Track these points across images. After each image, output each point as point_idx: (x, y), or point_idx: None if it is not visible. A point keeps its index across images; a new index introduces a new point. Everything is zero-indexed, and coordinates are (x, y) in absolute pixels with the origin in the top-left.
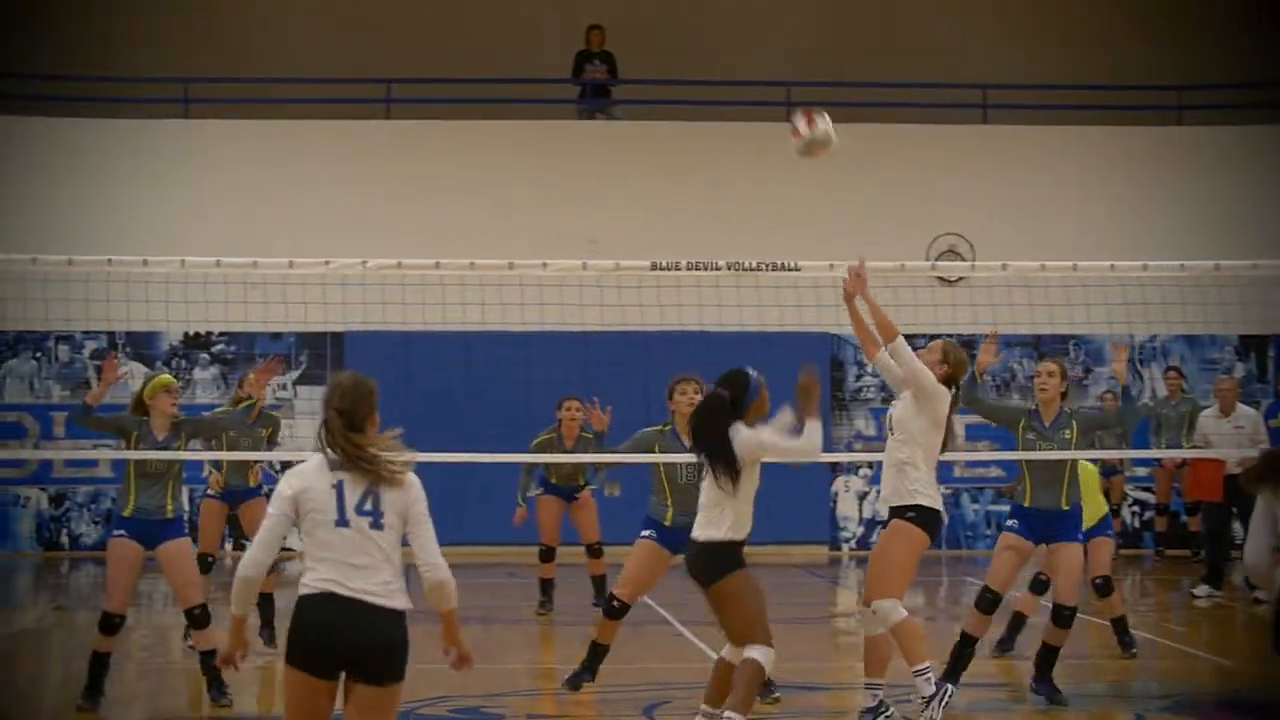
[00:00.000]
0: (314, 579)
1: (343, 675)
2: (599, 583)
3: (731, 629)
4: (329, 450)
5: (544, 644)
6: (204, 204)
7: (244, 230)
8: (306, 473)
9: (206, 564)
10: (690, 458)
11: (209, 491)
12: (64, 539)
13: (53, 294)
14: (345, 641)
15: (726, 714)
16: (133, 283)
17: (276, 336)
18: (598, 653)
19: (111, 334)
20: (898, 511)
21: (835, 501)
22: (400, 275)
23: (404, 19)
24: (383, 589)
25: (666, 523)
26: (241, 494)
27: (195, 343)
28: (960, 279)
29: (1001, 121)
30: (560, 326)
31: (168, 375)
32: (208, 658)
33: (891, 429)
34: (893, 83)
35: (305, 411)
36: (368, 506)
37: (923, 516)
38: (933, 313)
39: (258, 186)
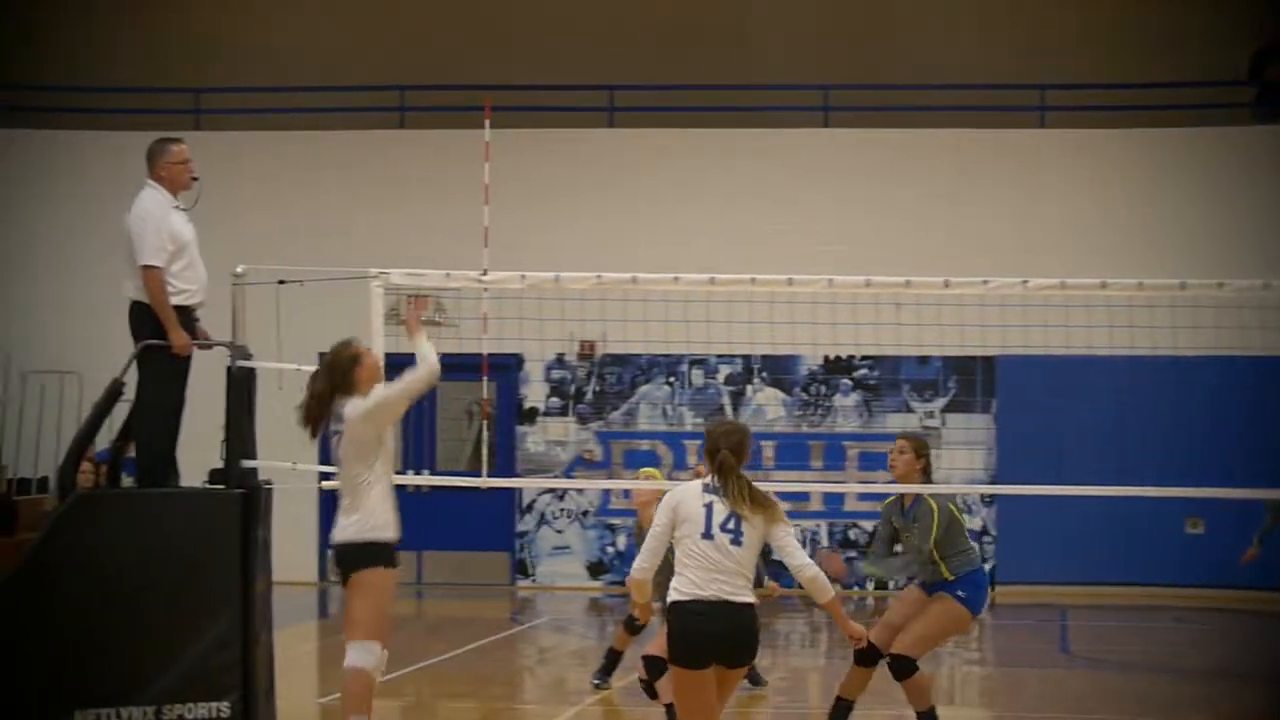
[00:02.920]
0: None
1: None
2: None
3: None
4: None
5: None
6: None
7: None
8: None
9: None
10: None
11: None
12: None
13: (692, 315)
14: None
15: None
16: (777, 304)
17: (924, 360)
18: None
19: (748, 357)
20: None
21: None
22: (1064, 296)
23: None
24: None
25: None
26: None
27: (836, 367)
28: None
29: None
30: (1238, 351)
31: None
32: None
33: None
34: None
35: (957, 442)
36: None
37: None
38: None
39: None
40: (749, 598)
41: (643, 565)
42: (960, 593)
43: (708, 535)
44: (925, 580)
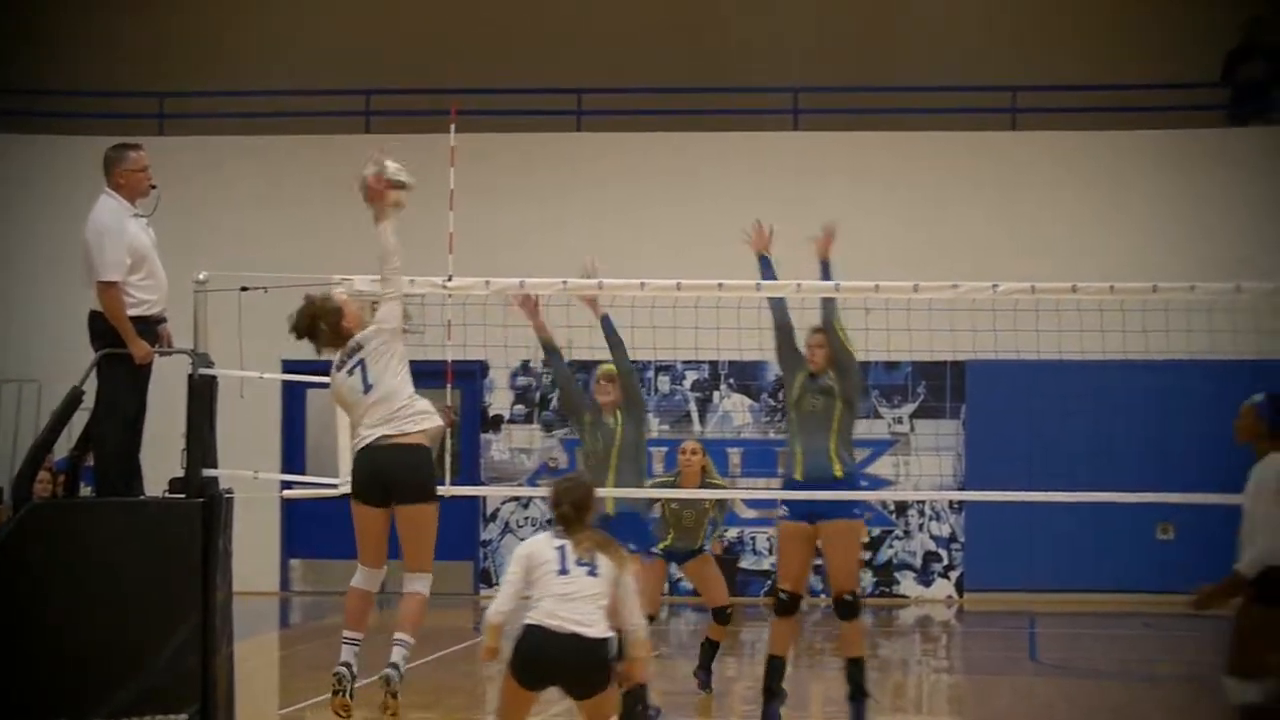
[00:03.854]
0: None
1: None
2: None
3: None
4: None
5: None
6: None
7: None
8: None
9: None
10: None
11: None
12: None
13: (659, 321)
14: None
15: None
16: (745, 309)
17: (893, 365)
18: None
19: (715, 363)
20: None
21: None
22: (1034, 300)
23: None
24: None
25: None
26: None
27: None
28: None
29: None
30: (1209, 355)
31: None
32: None
33: None
34: None
35: (926, 448)
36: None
37: None
38: None
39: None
40: (602, 632)
41: (498, 609)
42: (856, 510)
43: (563, 571)
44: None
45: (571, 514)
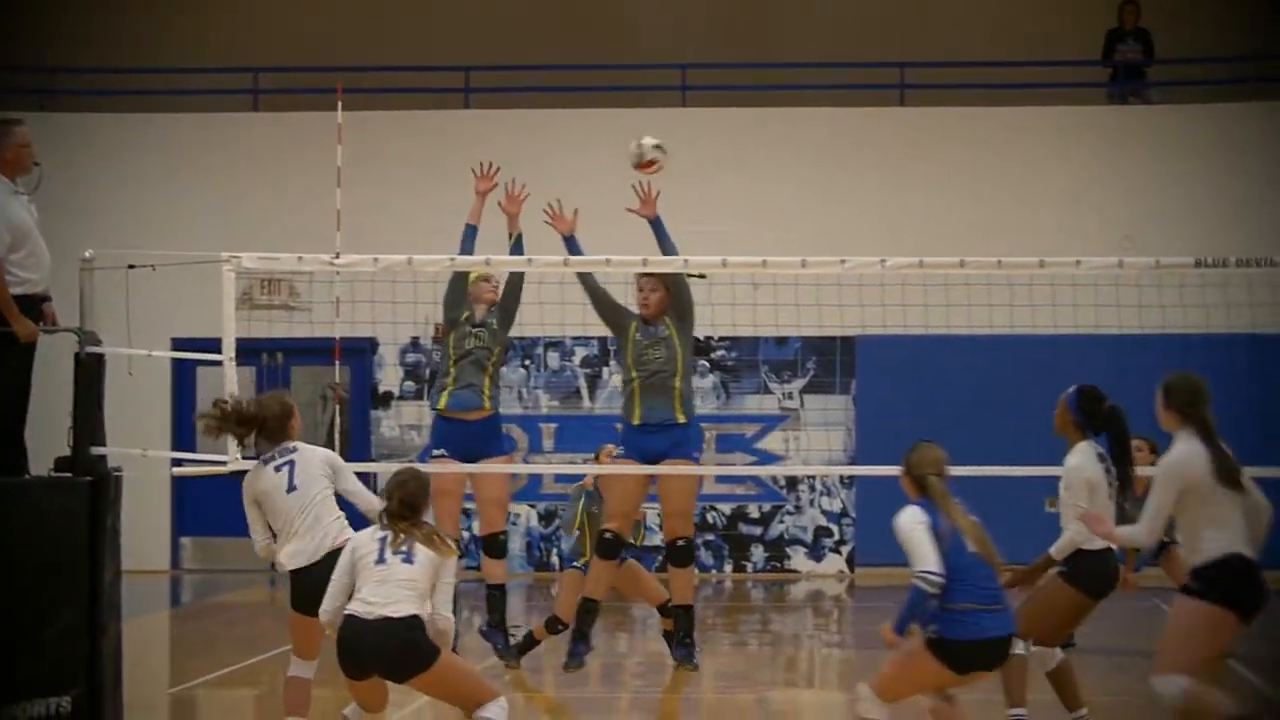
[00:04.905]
0: None
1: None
2: None
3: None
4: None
5: None
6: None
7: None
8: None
9: None
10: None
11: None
12: (554, 560)
13: (546, 296)
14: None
15: None
16: (633, 285)
17: (782, 341)
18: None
19: (604, 339)
20: None
21: None
22: (922, 275)
23: None
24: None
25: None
26: None
27: (694, 348)
28: None
29: None
30: (1094, 330)
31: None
32: None
33: None
34: None
35: (815, 423)
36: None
37: None
38: None
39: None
40: (408, 611)
41: (324, 609)
42: (695, 454)
43: (380, 561)
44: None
45: (397, 509)
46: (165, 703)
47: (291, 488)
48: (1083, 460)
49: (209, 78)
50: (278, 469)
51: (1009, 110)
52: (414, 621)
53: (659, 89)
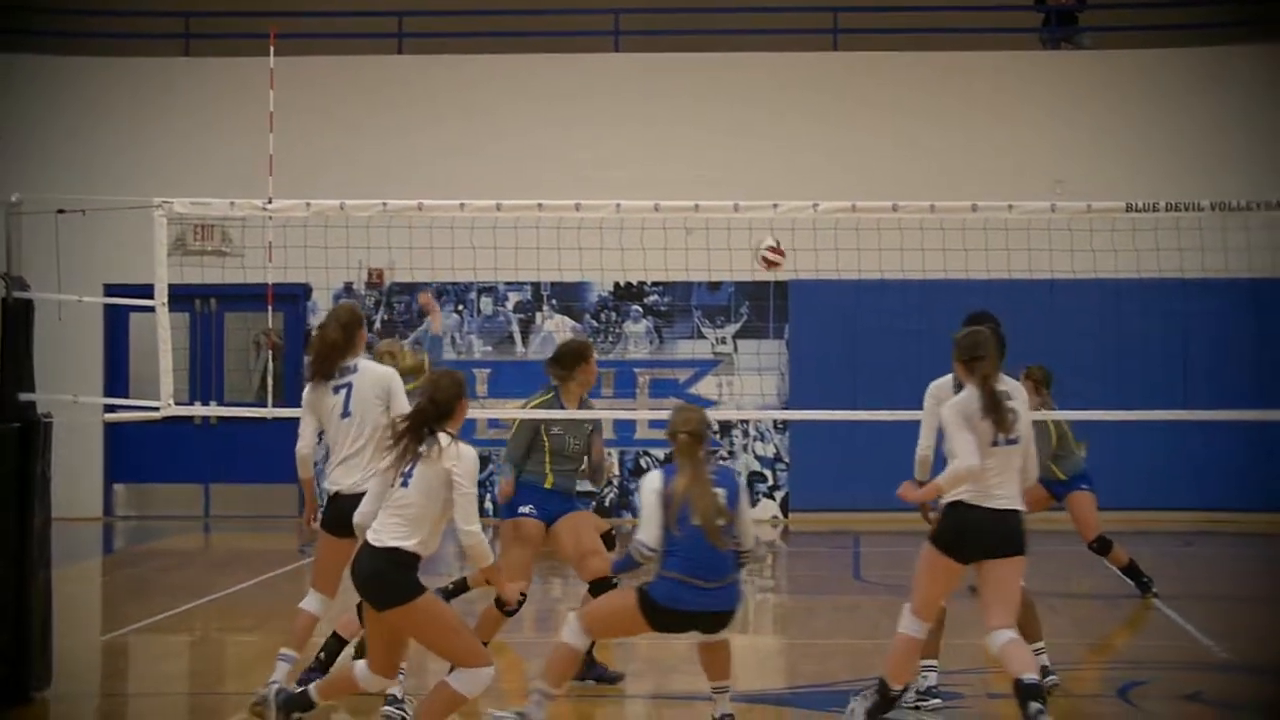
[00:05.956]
0: None
1: None
2: None
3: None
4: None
5: None
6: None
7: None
8: None
9: None
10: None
11: None
12: (487, 506)
13: (479, 241)
14: None
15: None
16: (565, 229)
17: (715, 286)
18: None
19: (537, 285)
20: None
21: None
22: (854, 219)
23: None
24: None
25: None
26: None
27: (627, 293)
28: None
29: None
30: (1026, 274)
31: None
32: None
33: None
34: None
35: (749, 368)
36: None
37: None
38: None
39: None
40: (387, 541)
41: (361, 510)
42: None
43: (398, 483)
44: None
45: (426, 408)
46: (97, 649)
47: (346, 413)
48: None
49: (140, 21)
50: (336, 390)
51: (942, 55)
52: (394, 555)
53: (592, 34)
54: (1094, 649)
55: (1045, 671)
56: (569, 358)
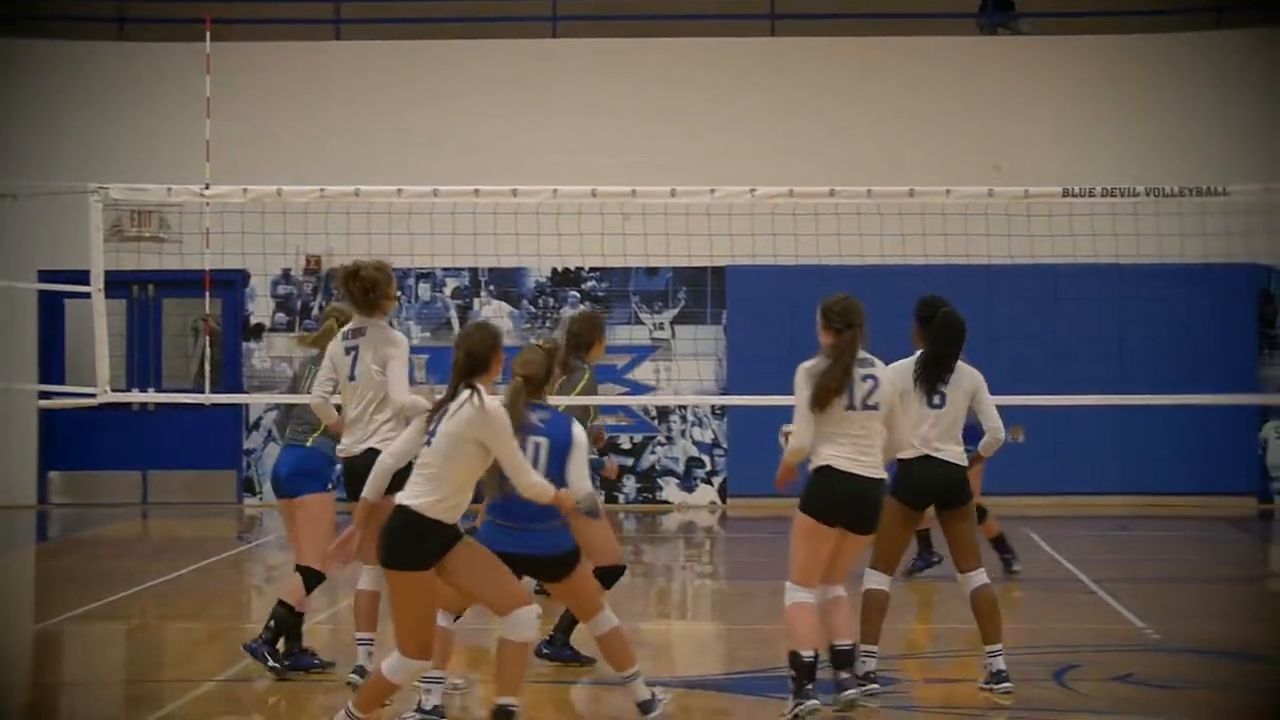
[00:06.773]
0: None
1: None
2: None
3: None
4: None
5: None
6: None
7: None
8: None
9: None
10: None
11: None
12: None
13: (416, 228)
14: None
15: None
16: (502, 215)
17: (653, 271)
18: None
19: (475, 270)
20: None
21: (1265, 449)
22: (792, 204)
23: None
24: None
25: None
26: None
27: (564, 279)
28: None
29: None
30: (964, 260)
31: None
32: None
33: None
34: None
35: (686, 353)
36: None
37: None
38: None
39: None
40: (412, 499)
41: (391, 451)
42: None
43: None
44: None
45: (462, 363)
46: (31, 638)
47: (351, 376)
48: (893, 371)
49: (74, 4)
50: (347, 350)
51: (880, 40)
52: (406, 515)
53: (530, 19)
54: (1031, 633)
55: (1000, 676)
56: (589, 330)
